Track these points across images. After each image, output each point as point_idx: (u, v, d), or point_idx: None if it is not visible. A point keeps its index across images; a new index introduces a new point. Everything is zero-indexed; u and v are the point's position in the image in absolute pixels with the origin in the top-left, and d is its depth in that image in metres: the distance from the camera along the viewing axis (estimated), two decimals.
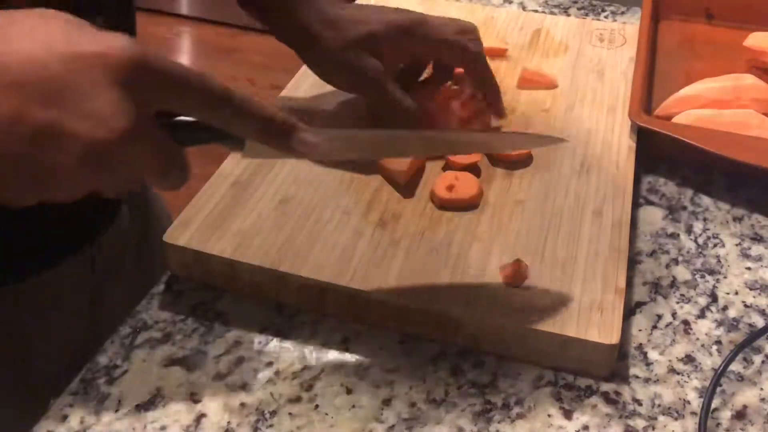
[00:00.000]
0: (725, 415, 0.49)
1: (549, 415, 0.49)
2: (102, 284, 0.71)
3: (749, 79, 0.72)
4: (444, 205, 0.59)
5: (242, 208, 0.59)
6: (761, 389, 0.51)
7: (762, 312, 0.56)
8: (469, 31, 0.65)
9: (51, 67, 0.36)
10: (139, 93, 0.38)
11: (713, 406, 0.49)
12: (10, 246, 0.59)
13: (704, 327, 0.55)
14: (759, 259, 0.60)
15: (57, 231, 0.62)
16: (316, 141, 0.45)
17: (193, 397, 0.49)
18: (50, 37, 0.37)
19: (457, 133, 0.63)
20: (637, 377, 0.51)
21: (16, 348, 0.63)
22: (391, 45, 0.63)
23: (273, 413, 0.49)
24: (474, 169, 0.62)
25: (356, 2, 0.82)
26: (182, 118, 0.42)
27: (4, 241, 0.58)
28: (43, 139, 0.36)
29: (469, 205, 0.59)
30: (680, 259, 0.60)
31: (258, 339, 0.53)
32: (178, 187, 0.42)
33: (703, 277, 0.59)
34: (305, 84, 0.73)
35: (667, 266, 0.59)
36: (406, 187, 0.61)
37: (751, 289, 0.58)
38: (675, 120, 0.70)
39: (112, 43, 0.37)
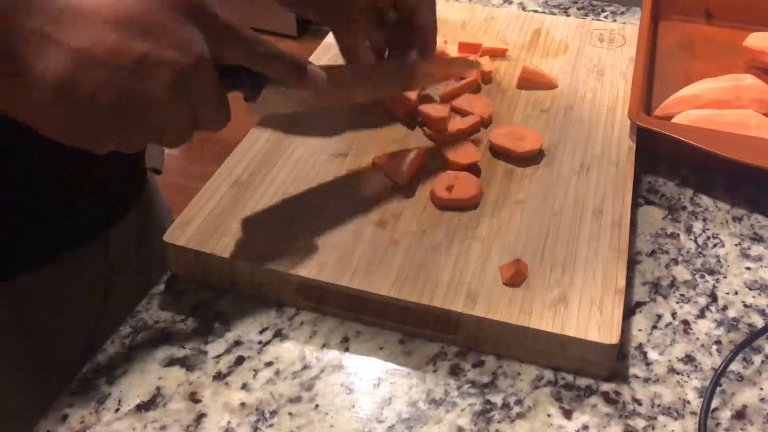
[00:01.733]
0: (725, 415, 0.49)
1: (549, 415, 0.49)
2: (113, 275, 0.71)
3: (749, 80, 0.72)
4: (444, 205, 0.59)
5: (242, 208, 0.59)
6: (761, 389, 0.51)
7: (762, 312, 0.56)
8: None
9: (140, 6, 0.41)
10: (205, 32, 0.44)
11: (713, 406, 0.49)
12: (25, 234, 0.59)
13: (704, 327, 0.55)
14: (759, 259, 0.60)
15: (71, 218, 0.63)
16: (323, 74, 0.52)
17: (193, 397, 0.49)
18: None
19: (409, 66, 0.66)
20: (636, 377, 0.51)
21: (32, 338, 0.64)
22: None
23: (273, 413, 0.49)
24: (474, 169, 0.63)
25: None
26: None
27: (19, 229, 0.59)
28: (141, 68, 0.40)
29: (469, 205, 0.59)
30: (680, 259, 0.60)
31: (258, 339, 0.53)
32: (224, 125, 0.48)
33: (702, 277, 0.59)
34: None
35: (667, 266, 0.59)
36: (407, 187, 0.61)
37: (750, 289, 0.58)
38: (675, 120, 0.70)
39: None
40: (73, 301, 0.67)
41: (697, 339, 0.54)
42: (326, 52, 0.78)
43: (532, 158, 0.65)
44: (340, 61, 0.75)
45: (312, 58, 0.76)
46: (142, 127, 0.43)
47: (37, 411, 0.50)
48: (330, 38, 0.79)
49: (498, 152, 0.65)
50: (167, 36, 0.41)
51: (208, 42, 0.44)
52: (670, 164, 0.69)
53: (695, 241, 0.62)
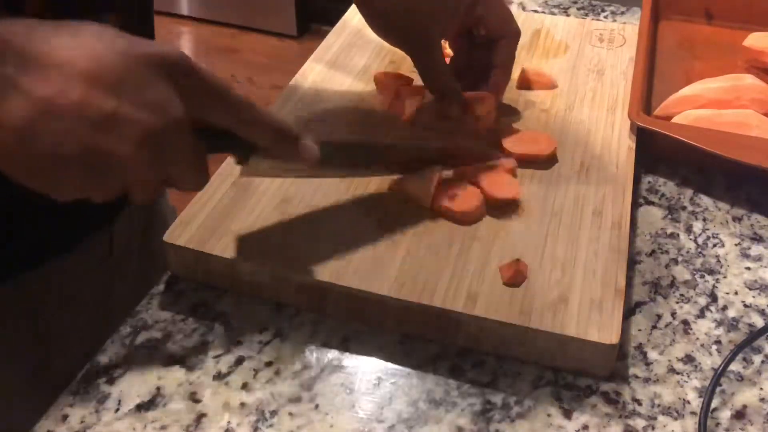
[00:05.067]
0: (725, 415, 0.49)
1: (549, 415, 0.49)
2: (118, 271, 0.71)
3: (749, 79, 0.73)
4: (442, 213, 0.59)
5: (242, 208, 0.59)
6: (761, 389, 0.51)
7: (762, 312, 0.56)
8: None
9: (114, 61, 0.40)
10: (182, 91, 0.42)
11: (713, 406, 0.50)
12: (29, 229, 0.60)
13: (704, 327, 0.55)
14: (759, 259, 0.60)
15: (74, 211, 0.63)
16: (316, 148, 0.50)
17: (193, 397, 0.49)
18: (111, 39, 0.41)
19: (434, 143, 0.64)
20: (636, 377, 0.51)
21: (37, 332, 0.64)
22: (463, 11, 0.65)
23: (273, 413, 0.49)
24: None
25: None
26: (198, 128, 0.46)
27: (23, 225, 0.59)
28: (106, 124, 0.40)
29: (468, 220, 0.58)
30: (680, 259, 0.60)
31: (258, 339, 0.53)
32: (200, 188, 0.48)
33: (702, 277, 0.59)
34: (305, 84, 0.73)
35: (667, 266, 0.59)
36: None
37: (750, 289, 0.58)
38: (675, 120, 0.70)
39: (165, 47, 0.42)
40: (78, 296, 0.67)
41: (697, 339, 0.54)
42: (326, 52, 0.78)
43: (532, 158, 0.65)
44: (341, 60, 0.75)
45: (312, 59, 0.76)
46: (105, 183, 0.42)
47: (40, 405, 0.50)
48: (330, 38, 0.80)
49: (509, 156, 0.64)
50: (138, 95, 0.40)
51: (188, 102, 0.43)
52: (670, 164, 0.69)
53: (695, 241, 0.62)
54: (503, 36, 0.67)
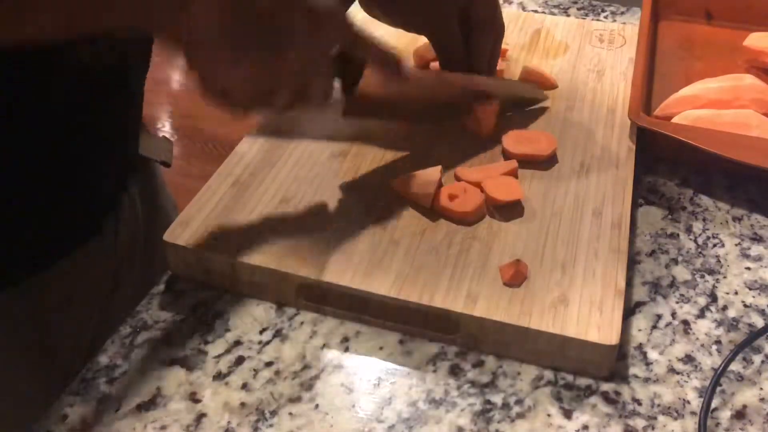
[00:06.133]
0: (725, 415, 0.49)
1: (549, 415, 0.49)
2: (121, 270, 0.71)
3: (749, 80, 0.72)
4: (443, 214, 0.59)
5: (242, 208, 0.59)
6: (761, 389, 0.51)
7: (762, 312, 0.56)
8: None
9: None
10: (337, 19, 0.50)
11: (713, 406, 0.50)
12: (30, 233, 0.60)
13: (704, 327, 0.55)
14: (759, 259, 0.60)
15: (72, 207, 0.63)
16: (408, 66, 0.56)
17: (193, 397, 0.49)
18: None
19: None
20: (636, 377, 0.51)
21: (39, 332, 0.64)
22: None
23: (273, 413, 0.49)
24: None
25: None
26: None
27: (24, 230, 0.59)
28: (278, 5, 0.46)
29: (469, 219, 0.58)
30: (680, 259, 0.60)
31: (258, 339, 0.53)
32: (328, 99, 0.53)
33: (702, 277, 0.59)
34: None
35: (667, 266, 0.59)
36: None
37: (750, 289, 0.58)
38: (675, 120, 0.70)
39: None
40: (81, 295, 0.67)
41: (697, 339, 0.54)
42: None
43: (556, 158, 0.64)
44: None
45: None
46: (270, 68, 0.47)
47: (41, 405, 0.50)
48: None
49: (509, 156, 0.64)
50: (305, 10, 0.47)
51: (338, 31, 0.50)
52: (670, 164, 0.69)
53: (695, 241, 0.62)
54: (488, 26, 0.66)
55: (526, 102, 0.71)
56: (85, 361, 0.52)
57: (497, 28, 0.67)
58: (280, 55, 0.47)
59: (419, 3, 0.64)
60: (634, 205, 0.64)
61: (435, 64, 0.75)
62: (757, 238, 0.62)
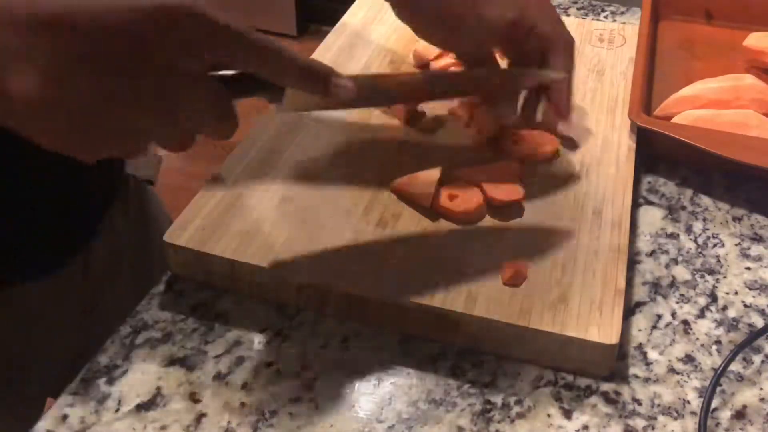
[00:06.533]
0: (725, 415, 0.49)
1: (549, 415, 0.49)
2: (96, 290, 0.70)
3: (749, 79, 0.72)
4: (443, 214, 0.59)
5: (242, 208, 0.59)
6: (761, 389, 0.51)
7: (762, 312, 0.56)
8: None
9: (120, 18, 0.38)
10: (196, 44, 0.41)
11: (713, 406, 0.50)
12: (6, 253, 0.59)
13: (704, 327, 0.55)
14: (759, 259, 0.60)
15: (45, 239, 0.62)
16: (350, 84, 0.47)
17: (193, 397, 0.49)
18: None
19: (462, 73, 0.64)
20: (636, 377, 0.51)
21: (8, 353, 0.63)
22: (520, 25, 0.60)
23: (273, 413, 0.49)
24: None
25: None
26: (225, 72, 0.45)
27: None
28: (113, 85, 0.38)
29: (469, 219, 0.58)
30: (680, 259, 0.60)
31: (258, 339, 0.53)
32: (229, 136, 0.45)
33: (702, 277, 0.59)
34: None
35: (667, 266, 0.59)
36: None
37: (750, 289, 0.58)
38: (675, 120, 0.70)
39: None
40: (51, 316, 0.66)
41: (697, 339, 0.54)
42: (327, 51, 0.78)
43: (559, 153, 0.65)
44: (341, 60, 0.75)
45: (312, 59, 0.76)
46: (124, 141, 0.41)
47: (14, 424, 0.49)
48: (330, 39, 0.80)
49: (510, 156, 0.64)
50: (146, 51, 0.39)
51: (207, 50, 0.41)
52: (670, 164, 0.69)
53: (695, 241, 0.62)
54: (557, 43, 0.61)
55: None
56: (62, 382, 0.51)
57: (569, 42, 0.62)
58: (145, 99, 0.40)
59: (455, 26, 0.60)
60: (634, 205, 0.64)
61: (434, 64, 0.75)
62: (757, 238, 0.62)
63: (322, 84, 0.46)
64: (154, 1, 0.39)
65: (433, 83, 0.60)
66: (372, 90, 0.55)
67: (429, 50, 0.76)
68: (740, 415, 0.49)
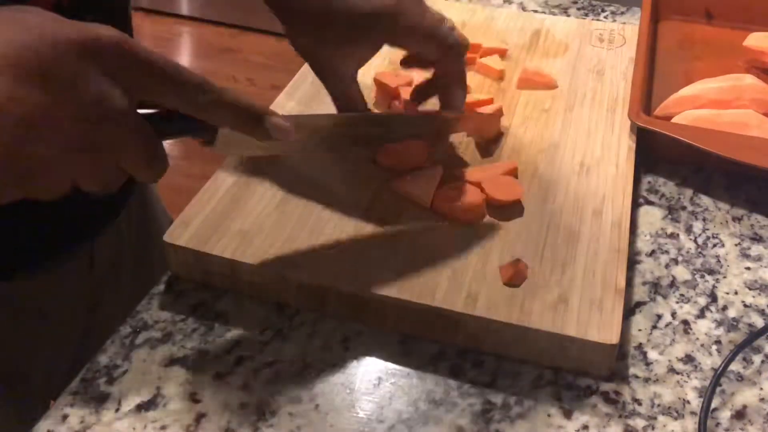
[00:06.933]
0: (725, 415, 0.49)
1: (549, 415, 0.49)
2: (101, 285, 0.71)
3: (749, 79, 0.73)
4: (443, 214, 0.59)
5: (242, 208, 0.59)
6: (761, 389, 0.51)
7: (762, 312, 0.56)
8: (447, 21, 0.60)
9: (40, 52, 0.36)
10: (122, 78, 0.39)
11: (713, 406, 0.50)
12: (6, 246, 0.59)
13: (704, 327, 0.55)
14: (758, 259, 0.60)
15: (54, 231, 0.62)
16: (287, 125, 0.45)
17: (193, 397, 0.49)
18: (38, 25, 0.37)
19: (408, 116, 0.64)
20: (636, 377, 0.51)
21: (12, 351, 0.63)
22: (378, 30, 0.58)
23: (273, 413, 0.49)
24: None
25: None
26: (152, 111, 0.43)
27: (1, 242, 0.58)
28: (32, 122, 0.36)
29: (469, 219, 0.58)
30: (680, 259, 0.60)
31: (258, 339, 0.53)
32: (157, 178, 0.43)
33: (702, 277, 0.59)
34: (305, 84, 0.73)
35: (667, 266, 0.59)
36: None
37: (750, 289, 0.58)
38: (675, 120, 0.70)
39: (97, 30, 0.38)
40: (55, 313, 0.66)
41: (697, 339, 0.54)
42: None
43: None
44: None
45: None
46: (44, 182, 0.38)
47: (17, 419, 0.49)
48: None
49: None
50: (69, 87, 0.37)
51: (131, 88, 0.39)
52: (670, 164, 0.69)
53: (695, 241, 0.62)
54: (440, 55, 0.59)
55: (483, 133, 0.66)
56: (67, 377, 0.51)
57: (451, 51, 0.59)
58: (51, 163, 0.38)
59: (318, 57, 0.59)
60: (634, 205, 0.64)
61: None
62: (757, 238, 0.62)
63: (256, 124, 0.44)
64: (80, 31, 0.37)
65: (384, 124, 0.60)
66: (314, 131, 0.53)
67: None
68: (740, 415, 0.49)
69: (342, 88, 0.60)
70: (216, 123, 0.44)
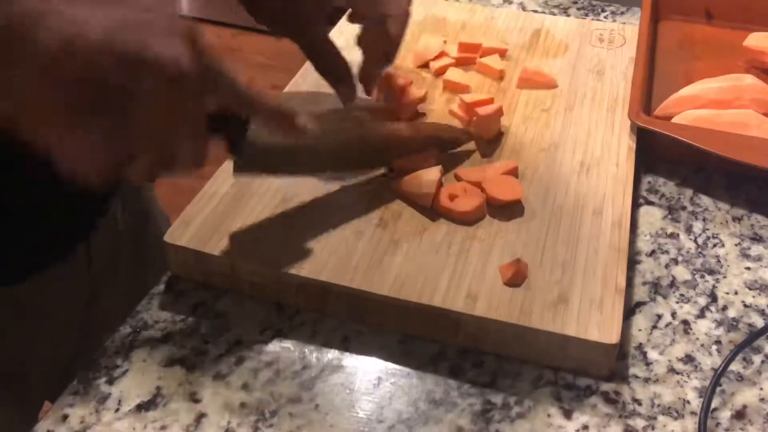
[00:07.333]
0: (725, 415, 0.49)
1: (549, 415, 0.49)
2: (98, 283, 0.71)
3: (749, 79, 0.73)
4: (443, 213, 0.59)
5: (242, 208, 0.59)
6: (761, 389, 0.51)
7: (761, 312, 0.56)
8: None
9: (143, 6, 0.40)
10: (199, 62, 0.42)
11: (713, 406, 0.50)
12: (2, 247, 0.59)
13: (704, 327, 0.55)
14: (758, 259, 0.60)
15: (48, 231, 0.62)
16: (311, 125, 0.50)
17: (193, 397, 0.49)
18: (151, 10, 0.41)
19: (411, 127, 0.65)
20: (636, 377, 0.51)
21: (9, 351, 0.63)
22: None
23: (273, 413, 0.49)
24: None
25: None
26: None
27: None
28: (132, 63, 0.39)
29: (469, 219, 0.58)
30: (680, 259, 0.60)
31: (258, 339, 0.53)
32: (199, 166, 0.45)
33: (702, 277, 0.59)
34: (305, 84, 0.73)
35: (667, 266, 0.59)
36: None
37: (750, 289, 0.58)
38: (675, 120, 0.70)
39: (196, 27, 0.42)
40: (53, 312, 0.66)
41: (697, 339, 0.54)
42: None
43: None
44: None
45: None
46: (115, 140, 0.41)
47: (14, 424, 0.49)
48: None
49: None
50: (167, 39, 0.40)
51: (210, 90, 0.43)
52: (670, 164, 0.69)
53: (695, 241, 0.62)
54: (381, 14, 0.61)
55: (448, 145, 0.66)
56: (64, 378, 0.51)
57: (393, 11, 0.61)
58: (132, 121, 0.41)
59: (282, 10, 0.59)
60: (634, 205, 0.64)
61: (434, 64, 0.75)
62: (757, 238, 0.62)
63: (289, 122, 0.49)
64: (173, 11, 0.41)
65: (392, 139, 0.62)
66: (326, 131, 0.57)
67: (428, 51, 0.76)
68: (740, 415, 0.49)
69: (317, 48, 0.61)
70: (256, 114, 0.49)
